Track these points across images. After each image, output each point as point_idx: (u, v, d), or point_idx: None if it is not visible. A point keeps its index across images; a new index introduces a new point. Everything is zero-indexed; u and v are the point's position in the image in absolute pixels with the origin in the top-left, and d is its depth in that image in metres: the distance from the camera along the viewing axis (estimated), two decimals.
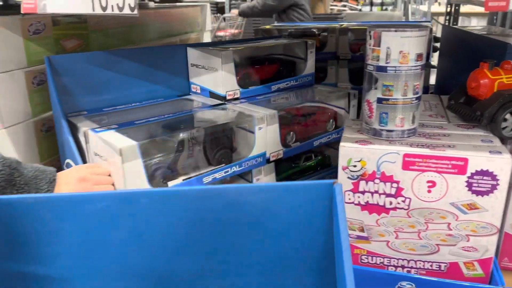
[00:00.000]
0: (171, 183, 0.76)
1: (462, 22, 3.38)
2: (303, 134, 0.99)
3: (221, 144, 0.87)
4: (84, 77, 0.89)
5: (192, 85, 1.03)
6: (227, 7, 3.93)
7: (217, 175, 0.82)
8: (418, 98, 0.69)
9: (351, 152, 0.67)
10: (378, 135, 0.70)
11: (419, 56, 0.66)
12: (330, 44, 1.39)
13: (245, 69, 1.03)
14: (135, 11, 0.61)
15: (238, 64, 1.00)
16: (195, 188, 0.44)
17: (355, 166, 0.68)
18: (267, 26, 1.64)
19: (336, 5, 6.06)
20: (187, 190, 0.44)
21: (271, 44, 1.15)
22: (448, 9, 2.27)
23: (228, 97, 0.95)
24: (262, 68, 1.07)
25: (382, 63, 0.66)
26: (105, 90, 0.92)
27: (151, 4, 1.78)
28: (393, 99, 0.67)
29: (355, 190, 0.68)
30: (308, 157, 1.04)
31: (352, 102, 1.05)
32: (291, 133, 0.95)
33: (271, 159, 0.90)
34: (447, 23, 2.27)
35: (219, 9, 3.97)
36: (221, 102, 0.95)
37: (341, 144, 0.68)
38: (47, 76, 0.82)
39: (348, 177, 0.68)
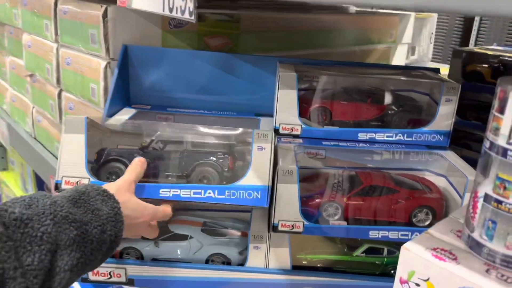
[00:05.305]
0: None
1: None
2: (360, 214, 0.69)
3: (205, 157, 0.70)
4: (157, 72, 0.89)
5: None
6: (476, 24, 3.31)
7: (182, 192, 0.66)
8: None
9: (416, 262, 0.44)
10: (476, 250, 0.43)
11: None
12: None
13: (326, 102, 0.78)
14: (193, 17, 0.53)
15: (318, 94, 0.78)
16: None
17: (418, 285, 0.44)
18: (476, 49, 1.30)
19: None
20: None
21: (394, 77, 0.83)
22: None
23: (281, 131, 0.76)
24: (357, 106, 0.78)
25: (502, 141, 0.40)
26: (176, 89, 0.90)
27: (352, 9, 1.65)
28: (510, 204, 0.40)
29: None
30: (374, 250, 0.73)
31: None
32: (335, 205, 0.68)
33: (280, 228, 0.66)
34: None
35: (466, 22, 3.41)
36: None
37: (407, 244, 0.45)
38: (118, 63, 0.84)
39: None
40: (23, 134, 1.31)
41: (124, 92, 0.88)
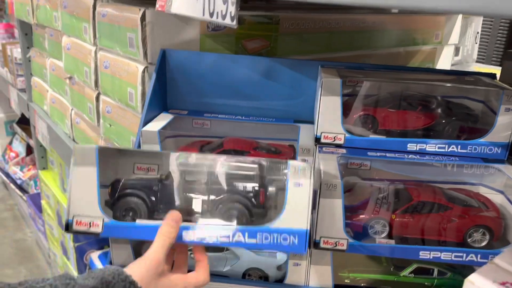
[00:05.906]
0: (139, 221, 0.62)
1: None
2: (408, 232, 0.64)
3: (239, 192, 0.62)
4: (195, 76, 0.87)
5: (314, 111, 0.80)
6: None
7: (207, 235, 0.58)
8: None
9: None
10: None
11: None
12: None
13: (372, 109, 0.74)
14: (234, 22, 0.50)
15: (363, 100, 0.74)
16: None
17: None
18: None
19: None
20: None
21: (444, 83, 0.77)
22: None
23: (323, 140, 0.71)
24: (405, 114, 0.73)
25: None
26: (214, 94, 0.87)
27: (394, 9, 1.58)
28: None
29: None
30: (423, 270, 0.68)
31: None
32: (382, 222, 0.64)
33: (322, 245, 0.62)
34: None
35: None
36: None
37: (471, 277, 0.40)
38: (155, 67, 0.82)
39: None
40: (61, 135, 1.32)
41: (161, 97, 0.87)
